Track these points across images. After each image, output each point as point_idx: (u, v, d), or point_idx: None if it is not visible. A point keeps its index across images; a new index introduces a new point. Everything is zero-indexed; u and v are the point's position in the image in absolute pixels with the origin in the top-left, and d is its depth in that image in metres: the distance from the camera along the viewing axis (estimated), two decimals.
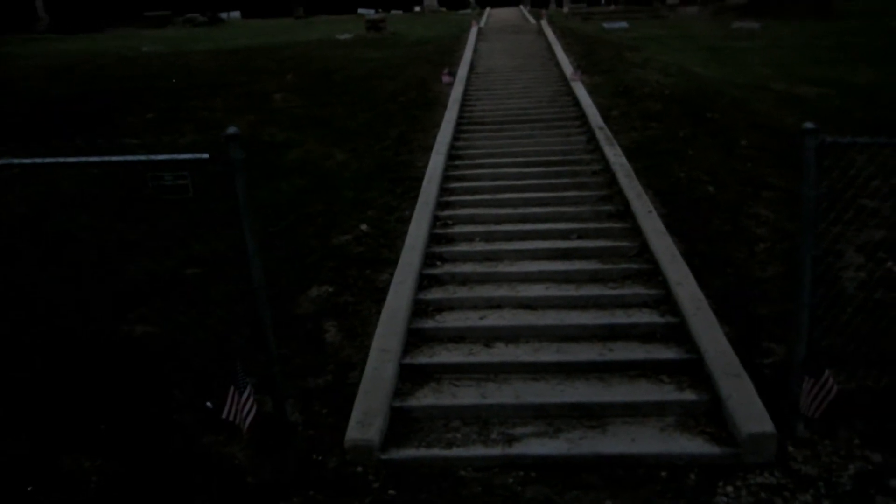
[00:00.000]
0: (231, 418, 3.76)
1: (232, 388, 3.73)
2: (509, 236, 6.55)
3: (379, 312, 5.16)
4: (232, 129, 3.39)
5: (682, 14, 27.58)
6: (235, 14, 37.73)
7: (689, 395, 4.24)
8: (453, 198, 7.47)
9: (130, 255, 5.99)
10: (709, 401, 4.15)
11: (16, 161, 3.27)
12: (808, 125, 3.46)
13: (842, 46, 16.10)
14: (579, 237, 6.44)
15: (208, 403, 4.18)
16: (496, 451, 3.92)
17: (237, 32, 25.90)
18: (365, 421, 3.99)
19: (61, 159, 3.26)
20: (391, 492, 3.67)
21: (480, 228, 6.72)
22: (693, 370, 4.46)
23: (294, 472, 3.81)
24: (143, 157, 3.35)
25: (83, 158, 3.35)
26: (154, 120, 10.54)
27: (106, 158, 3.39)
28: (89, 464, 3.86)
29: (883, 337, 4.08)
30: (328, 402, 4.39)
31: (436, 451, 3.94)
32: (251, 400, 3.79)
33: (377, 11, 34.15)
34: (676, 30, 21.56)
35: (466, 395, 4.38)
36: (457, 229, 6.74)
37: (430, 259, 6.10)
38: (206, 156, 3.39)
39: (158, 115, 10.76)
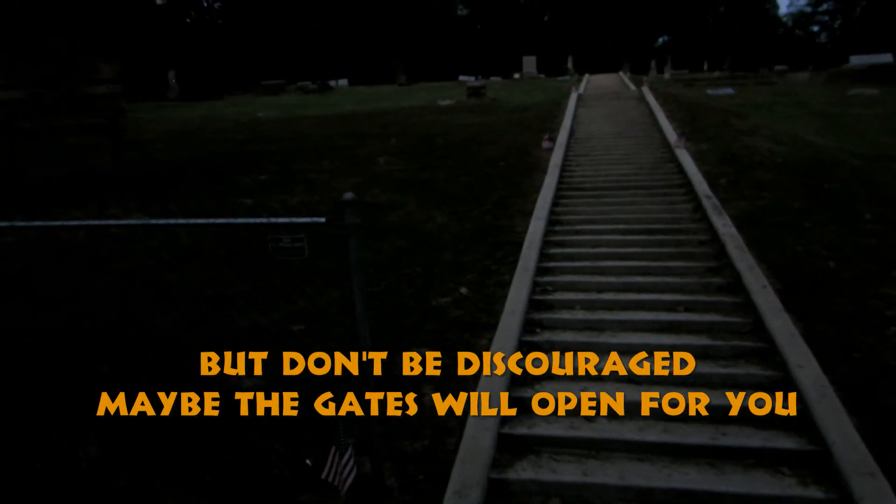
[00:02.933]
0: (330, 479, 3.76)
1: (333, 449, 3.74)
2: (611, 306, 6.36)
3: (477, 378, 5.09)
4: (348, 195, 3.52)
5: (791, 80, 26.81)
6: (343, 82, 40.36)
7: (814, 493, 3.86)
8: (553, 264, 7.38)
9: (239, 308, 6.26)
10: (838, 500, 3.76)
11: (152, 221, 3.53)
12: None
13: None
14: (686, 310, 6.16)
15: (308, 461, 4.24)
16: None
17: (344, 99, 27.46)
18: (462, 492, 3.89)
19: (191, 220, 3.50)
20: None
21: (581, 296, 6.57)
22: (817, 464, 4.08)
23: None
24: (264, 220, 3.53)
25: (211, 220, 3.57)
26: (266, 181, 11.19)
27: (230, 221, 3.60)
28: None
29: None
30: (425, 467, 4.33)
31: None
32: (352, 462, 3.79)
33: (477, 78, 35.41)
34: (786, 97, 20.88)
35: (567, 471, 4.19)
36: (557, 296, 6.63)
37: (529, 326, 6.00)
38: (322, 220, 3.52)
39: (271, 177, 11.43)
